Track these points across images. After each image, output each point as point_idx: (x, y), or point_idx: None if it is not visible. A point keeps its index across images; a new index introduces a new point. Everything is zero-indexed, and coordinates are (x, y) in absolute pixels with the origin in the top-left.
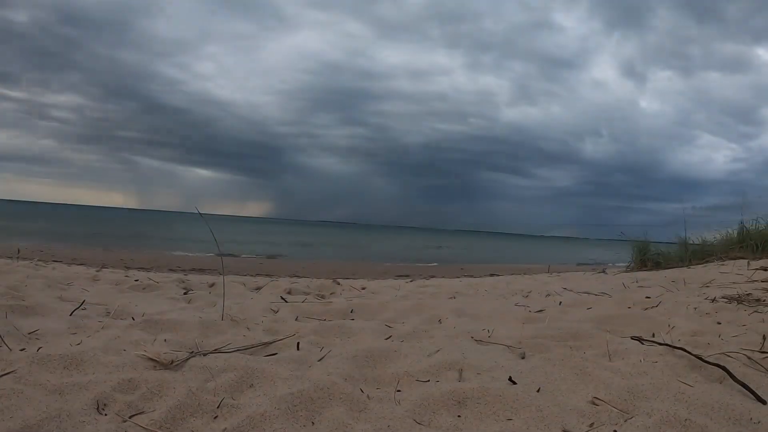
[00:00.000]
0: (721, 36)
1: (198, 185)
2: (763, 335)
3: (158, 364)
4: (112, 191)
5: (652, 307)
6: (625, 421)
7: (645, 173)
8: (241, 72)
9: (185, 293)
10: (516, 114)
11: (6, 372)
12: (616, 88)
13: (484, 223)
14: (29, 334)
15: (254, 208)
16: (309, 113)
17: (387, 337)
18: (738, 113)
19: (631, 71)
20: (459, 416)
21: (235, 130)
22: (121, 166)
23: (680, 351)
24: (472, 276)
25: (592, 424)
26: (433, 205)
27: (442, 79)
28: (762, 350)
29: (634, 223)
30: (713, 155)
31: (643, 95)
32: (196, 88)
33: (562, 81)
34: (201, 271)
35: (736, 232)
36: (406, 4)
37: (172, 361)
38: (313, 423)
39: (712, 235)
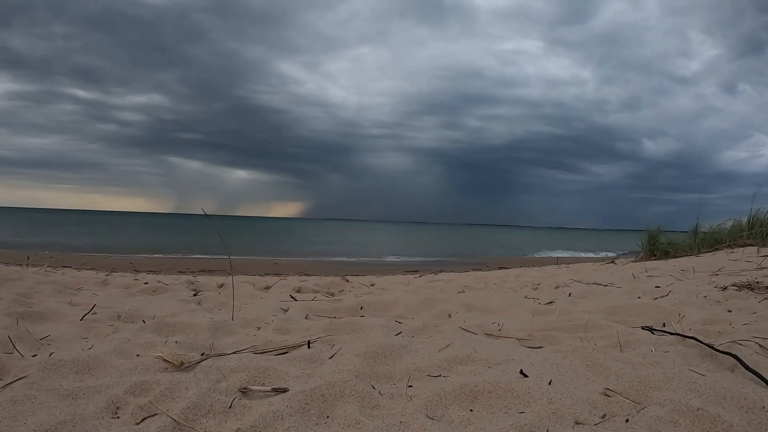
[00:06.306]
0: None
1: (238, 187)
2: None
3: (170, 365)
4: (152, 197)
5: (662, 296)
6: (638, 411)
7: (692, 168)
8: (375, 74)
9: (195, 294)
10: (613, 119)
11: (19, 378)
12: (710, 100)
13: (510, 216)
14: (41, 339)
15: (295, 208)
16: (414, 116)
17: (397, 332)
18: None
19: (730, 87)
20: (471, 410)
21: (319, 131)
22: (164, 171)
23: (691, 340)
24: (480, 270)
25: (604, 416)
26: (465, 202)
27: (572, 89)
28: None
29: (657, 213)
30: (762, 151)
31: (725, 104)
32: (309, 88)
33: (670, 94)
34: (210, 272)
35: (745, 220)
36: (591, 30)
37: (183, 363)
38: (325, 421)
39: (722, 224)
